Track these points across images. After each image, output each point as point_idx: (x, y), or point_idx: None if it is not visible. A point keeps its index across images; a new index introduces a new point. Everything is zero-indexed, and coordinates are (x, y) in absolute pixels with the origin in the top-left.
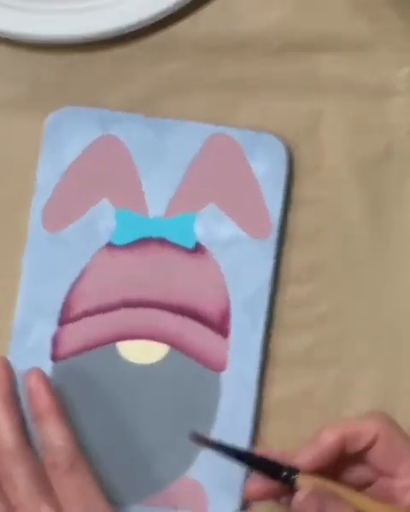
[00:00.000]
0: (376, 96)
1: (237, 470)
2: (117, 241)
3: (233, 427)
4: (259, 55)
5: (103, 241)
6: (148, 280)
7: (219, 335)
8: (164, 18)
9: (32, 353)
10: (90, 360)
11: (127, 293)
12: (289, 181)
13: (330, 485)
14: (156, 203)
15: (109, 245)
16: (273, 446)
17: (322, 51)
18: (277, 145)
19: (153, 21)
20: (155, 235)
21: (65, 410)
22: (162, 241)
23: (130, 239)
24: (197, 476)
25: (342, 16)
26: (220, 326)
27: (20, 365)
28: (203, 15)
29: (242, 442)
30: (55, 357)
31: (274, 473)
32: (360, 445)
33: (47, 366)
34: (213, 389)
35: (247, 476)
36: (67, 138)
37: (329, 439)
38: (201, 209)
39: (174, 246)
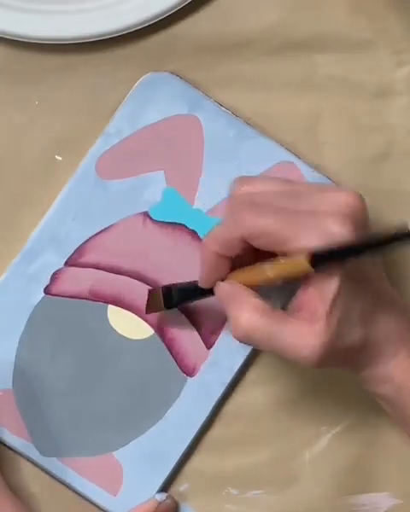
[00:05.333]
0: (375, 95)
1: (160, 466)
2: (154, 215)
3: (181, 427)
4: (258, 54)
5: (142, 209)
6: (164, 263)
7: (204, 344)
8: (164, 18)
9: (29, 279)
10: (78, 309)
11: (140, 266)
12: None
13: (239, 274)
14: (206, 197)
15: (146, 215)
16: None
17: (321, 51)
18: None
19: (153, 21)
20: (191, 226)
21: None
22: (194, 235)
23: (167, 218)
24: (122, 459)
25: (342, 16)
26: (209, 336)
27: (14, 286)
28: (203, 15)
29: (183, 443)
30: (47, 291)
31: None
32: (234, 251)
33: (38, 295)
34: (174, 388)
35: (171, 472)
36: (155, 101)
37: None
38: None
39: None
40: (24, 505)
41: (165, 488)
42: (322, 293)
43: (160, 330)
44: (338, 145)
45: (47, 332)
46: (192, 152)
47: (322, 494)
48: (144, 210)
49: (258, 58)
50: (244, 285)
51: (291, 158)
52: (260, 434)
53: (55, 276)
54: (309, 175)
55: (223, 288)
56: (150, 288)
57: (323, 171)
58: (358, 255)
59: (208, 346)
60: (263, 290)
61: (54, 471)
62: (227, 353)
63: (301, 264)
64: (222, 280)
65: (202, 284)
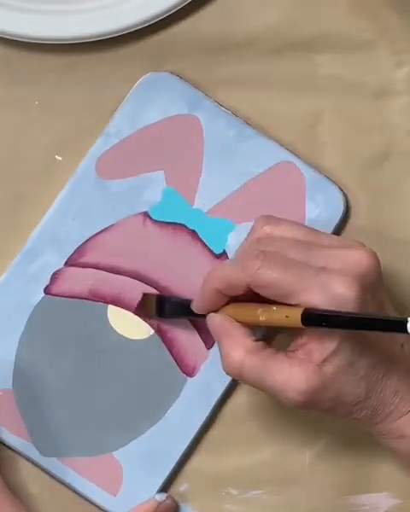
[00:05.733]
0: (375, 96)
1: (160, 467)
2: (154, 215)
3: (181, 427)
4: (259, 55)
5: (142, 209)
6: (164, 263)
7: (204, 344)
8: (164, 18)
9: (29, 279)
10: (78, 309)
11: (140, 266)
12: (334, 234)
13: (234, 309)
14: (206, 197)
15: (146, 215)
16: (231, 447)
17: (322, 51)
18: (338, 198)
19: (153, 21)
20: (191, 226)
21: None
22: (194, 235)
23: (167, 218)
24: (122, 459)
25: (342, 16)
26: (209, 336)
27: (14, 286)
28: (203, 15)
29: (183, 443)
30: (47, 291)
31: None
32: (236, 292)
33: (38, 296)
34: (174, 388)
35: (171, 472)
36: (155, 101)
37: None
38: (242, 222)
39: (203, 244)
40: (23, 505)
41: (165, 488)
42: (322, 340)
43: (160, 330)
44: (338, 145)
45: (47, 332)
46: (192, 152)
47: (322, 494)
48: (144, 210)
49: (258, 58)
50: (237, 320)
51: (291, 158)
52: (260, 434)
53: (55, 276)
54: (309, 175)
55: (216, 321)
56: (145, 292)
57: (323, 171)
58: (352, 329)
59: (208, 346)
60: None
61: (54, 471)
62: None
63: (295, 318)
64: (216, 310)
65: (196, 310)
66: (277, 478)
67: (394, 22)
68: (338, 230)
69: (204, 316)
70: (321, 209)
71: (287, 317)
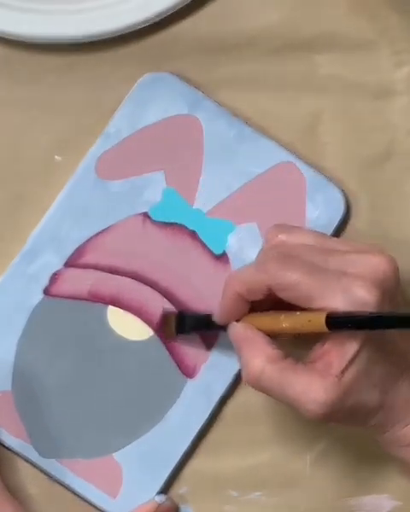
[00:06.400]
0: (376, 95)
1: (160, 468)
2: (154, 216)
3: (181, 428)
4: (258, 54)
5: (142, 209)
6: (164, 264)
7: (204, 345)
8: (164, 18)
9: (28, 279)
10: (78, 309)
11: (140, 267)
12: (335, 235)
13: (255, 319)
14: (206, 198)
15: (145, 215)
16: (231, 448)
17: (322, 51)
18: (338, 198)
19: (153, 21)
20: (191, 226)
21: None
22: (194, 236)
23: (166, 219)
24: (122, 461)
25: (342, 16)
26: (209, 337)
27: (13, 286)
28: (203, 15)
29: (182, 444)
30: (47, 292)
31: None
32: (257, 297)
33: (37, 296)
34: (173, 390)
35: (171, 473)
36: (155, 101)
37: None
38: (242, 223)
39: (203, 245)
40: (23, 506)
41: (165, 490)
42: (342, 349)
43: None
44: (339, 145)
45: (46, 333)
46: (192, 152)
47: (322, 496)
48: (144, 210)
49: (258, 58)
50: (259, 330)
51: (291, 158)
52: (260, 436)
53: (54, 277)
54: (309, 175)
55: (237, 330)
56: (164, 310)
57: (323, 171)
58: (378, 328)
59: (208, 347)
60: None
61: (53, 472)
62: (227, 355)
63: (318, 322)
64: (237, 320)
65: (218, 320)
66: (277, 479)
67: (394, 22)
68: (339, 231)
69: (224, 328)
70: (321, 209)
71: (310, 321)
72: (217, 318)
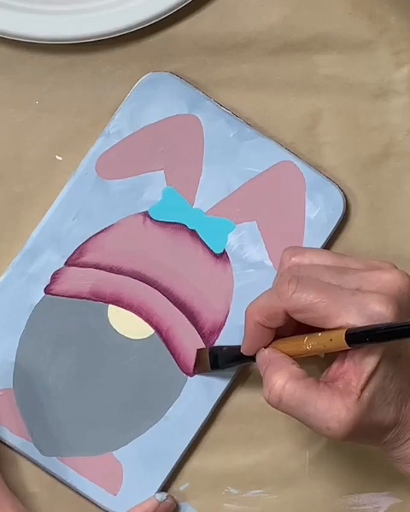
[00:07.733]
0: (375, 95)
1: (160, 466)
2: (154, 215)
3: (181, 426)
4: (259, 55)
5: (142, 208)
6: (164, 263)
7: (204, 344)
8: (164, 18)
9: (29, 278)
10: (79, 308)
11: (140, 266)
12: (334, 234)
13: (280, 344)
14: (206, 197)
15: (146, 214)
16: (231, 446)
17: (322, 51)
18: (338, 198)
19: (153, 21)
20: (191, 226)
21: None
22: (194, 235)
23: (166, 218)
24: (123, 459)
25: (342, 16)
26: (209, 336)
27: (14, 285)
28: (203, 15)
29: (183, 442)
30: (48, 291)
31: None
32: (277, 323)
33: (38, 295)
34: (174, 388)
35: (171, 471)
36: (156, 101)
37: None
38: (242, 222)
39: (202, 244)
40: (24, 504)
41: (165, 487)
42: (359, 366)
43: (159, 330)
44: (338, 145)
45: (47, 332)
46: (192, 152)
47: (322, 493)
48: (144, 210)
49: (258, 58)
50: (286, 354)
51: (291, 158)
52: (260, 434)
53: (55, 276)
54: (309, 175)
55: (262, 354)
56: (200, 348)
57: (323, 171)
58: (396, 339)
59: (209, 346)
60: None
61: (54, 470)
62: None
63: (339, 340)
64: (265, 347)
65: (245, 352)
66: (277, 477)
67: (394, 22)
68: (338, 230)
69: (254, 359)
70: (321, 209)
71: (331, 340)
72: (243, 350)
